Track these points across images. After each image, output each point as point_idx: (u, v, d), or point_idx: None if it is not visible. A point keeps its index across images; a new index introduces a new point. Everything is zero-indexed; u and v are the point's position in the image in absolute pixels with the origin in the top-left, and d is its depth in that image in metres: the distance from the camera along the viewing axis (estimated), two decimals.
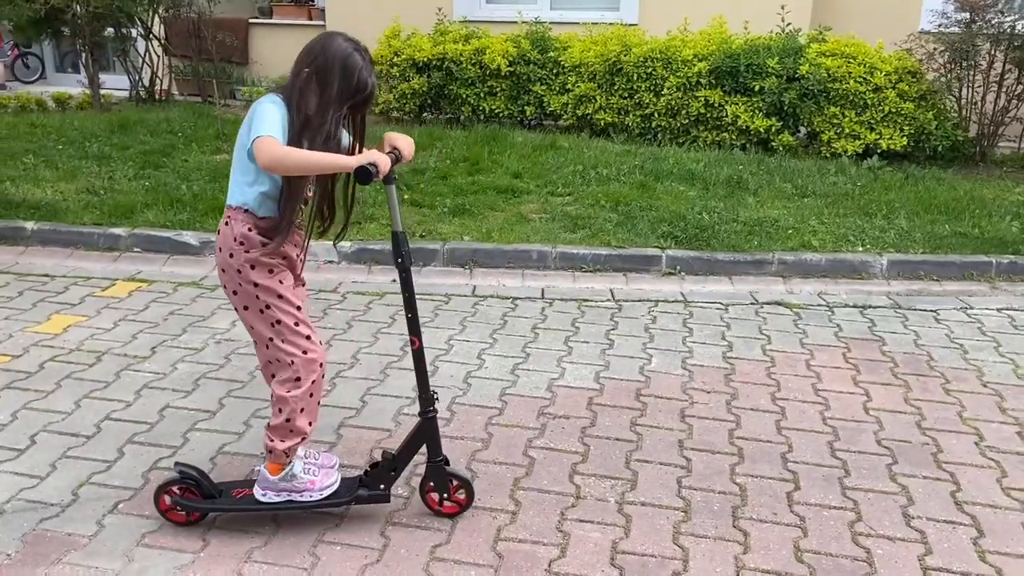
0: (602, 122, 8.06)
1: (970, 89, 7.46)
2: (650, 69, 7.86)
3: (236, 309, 2.49)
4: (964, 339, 4.10)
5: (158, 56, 9.60)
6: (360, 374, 3.64)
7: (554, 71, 8.25)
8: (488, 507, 2.71)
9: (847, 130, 7.34)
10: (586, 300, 4.54)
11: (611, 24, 8.53)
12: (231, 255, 2.41)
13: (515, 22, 8.71)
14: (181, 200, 5.74)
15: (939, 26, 7.55)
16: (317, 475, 2.58)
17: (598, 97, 8.03)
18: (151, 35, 9.47)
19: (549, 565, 2.45)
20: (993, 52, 7.26)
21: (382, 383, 3.57)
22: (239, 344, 3.89)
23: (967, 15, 7.30)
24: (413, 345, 2.54)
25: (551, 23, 8.66)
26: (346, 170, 2.35)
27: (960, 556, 2.52)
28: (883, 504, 2.77)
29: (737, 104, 7.60)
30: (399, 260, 2.48)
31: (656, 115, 7.90)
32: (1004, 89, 7.37)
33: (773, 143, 7.56)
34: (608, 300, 4.55)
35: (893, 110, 7.28)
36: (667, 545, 2.55)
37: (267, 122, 2.25)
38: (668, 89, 7.77)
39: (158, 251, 5.14)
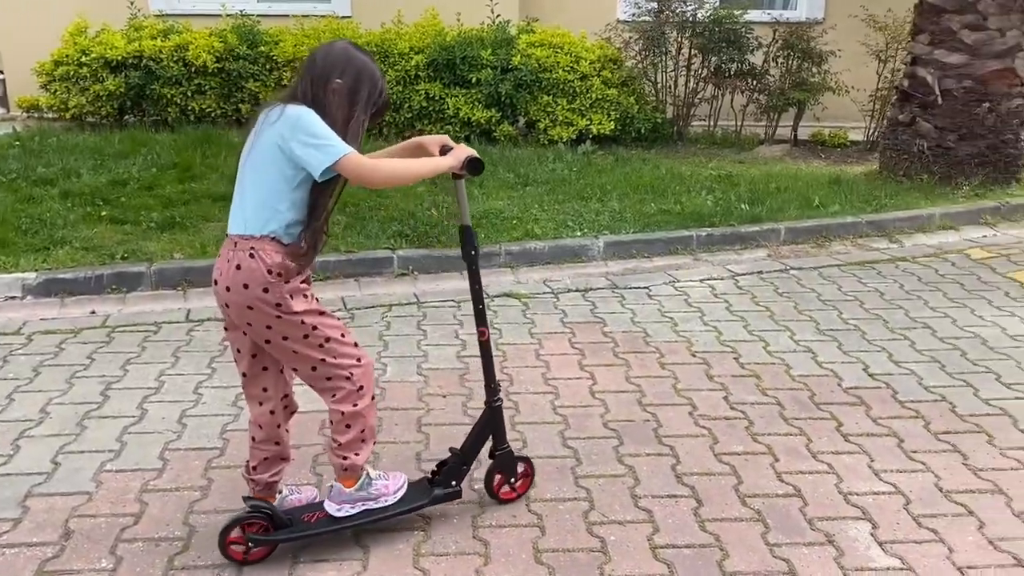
0: None
1: (664, 74, 8.09)
2: None
3: (264, 342, 2.33)
4: (674, 312, 4.41)
5: None
6: (50, 430, 3.17)
7: (267, 67, 7.83)
8: (208, 564, 2.46)
9: (561, 118, 7.66)
10: None
11: (323, 17, 8.25)
12: (265, 290, 2.24)
13: (219, 15, 8.17)
14: None
15: (633, 16, 8.11)
16: (388, 478, 2.57)
17: None
18: None
19: None
20: (680, 39, 7.91)
21: (78, 438, 3.14)
22: None
23: (656, 4, 7.90)
24: (482, 336, 2.63)
25: (259, 16, 8.21)
26: (444, 172, 2.41)
27: (684, 530, 2.67)
28: (613, 488, 2.87)
29: (457, 96, 7.67)
30: (472, 253, 2.56)
31: None
32: (692, 73, 8.06)
33: (495, 134, 7.72)
34: (339, 310, 4.37)
35: (600, 97, 7.71)
36: (408, 571, 2.46)
37: (333, 137, 2.19)
38: (388, 83, 7.65)
39: None
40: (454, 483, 2.63)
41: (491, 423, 2.66)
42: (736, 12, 7.86)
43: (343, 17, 8.45)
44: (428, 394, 3.50)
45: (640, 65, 7.99)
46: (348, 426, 2.42)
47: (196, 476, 2.91)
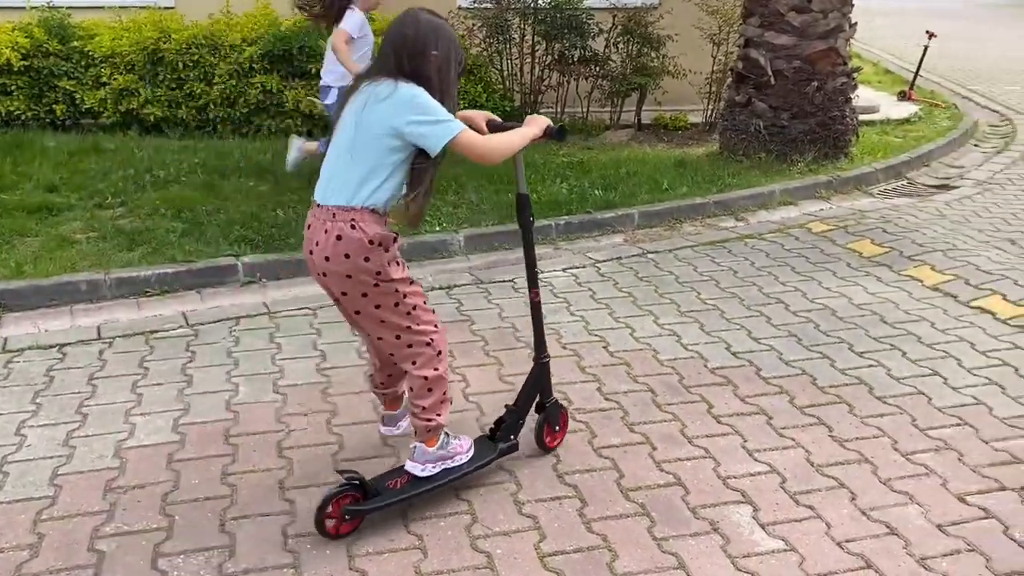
0: (152, 117, 7.23)
1: (509, 61, 8.02)
2: (196, 56, 7.21)
3: (356, 312, 2.46)
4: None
5: None
6: None
7: (83, 63, 7.19)
8: None
9: None
10: (155, 331, 3.94)
11: (143, 8, 7.64)
12: (367, 259, 2.35)
13: (23, 8, 7.40)
14: None
15: (475, 2, 7.98)
16: (460, 438, 2.70)
17: (142, 90, 7.18)
18: None
19: None
20: (523, 26, 7.86)
21: None
22: None
23: None
24: (535, 297, 2.85)
25: (69, 8, 7.50)
26: (535, 139, 2.59)
27: (571, 533, 2.58)
28: (495, 497, 2.74)
29: (296, 89, 7.31)
30: (530, 219, 2.81)
31: (212, 105, 7.30)
32: (537, 60, 8.03)
33: None
34: (181, 327, 4.00)
35: None
36: None
37: (445, 113, 2.31)
38: (220, 77, 7.21)
39: None
40: (512, 437, 2.81)
41: (541, 378, 2.88)
42: None
43: (166, 8, 7.86)
44: (288, 414, 3.24)
45: (485, 53, 7.88)
46: (430, 390, 2.56)
47: (23, 532, 2.54)
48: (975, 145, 8.31)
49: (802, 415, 3.29)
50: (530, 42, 7.98)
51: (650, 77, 8.03)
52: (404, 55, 2.33)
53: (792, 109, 6.85)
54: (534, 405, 2.90)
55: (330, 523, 2.46)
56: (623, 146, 7.77)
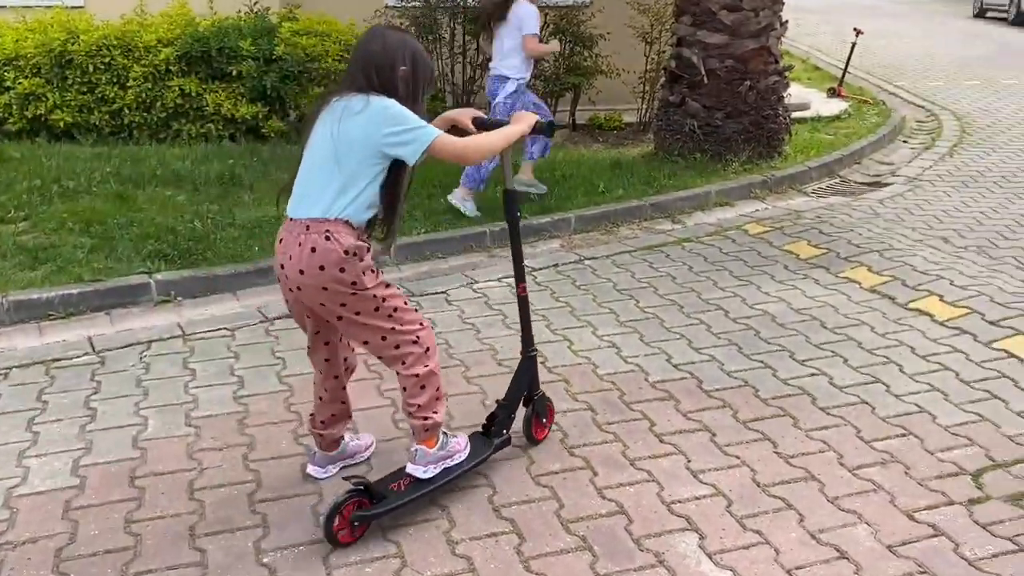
0: (62, 123, 6.84)
1: (440, 61, 7.81)
2: (108, 59, 6.84)
3: (336, 319, 2.45)
4: (475, 318, 4.14)
5: None
6: None
7: None
8: None
9: None
10: (57, 360, 3.64)
11: (49, 8, 7.22)
12: (342, 269, 2.35)
13: None
14: None
15: (402, 1, 7.75)
16: (457, 436, 2.72)
17: (50, 94, 6.78)
18: None
19: None
20: (453, 25, 7.66)
21: None
22: None
23: None
24: (521, 292, 2.85)
25: None
26: (521, 135, 2.63)
27: (507, 574, 2.40)
28: (426, 536, 2.55)
29: (217, 92, 6.99)
30: (517, 214, 2.80)
31: (127, 110, 6.93)
32: (468, 60, 7.84)
33: (263, 130, 7.13)
34: (87, 354, 3.70)
35: None
36: None
37: (418, 120, 2.35)
38: (134, 80, 6.85)
39: None
40: (504, 432, 2.84)
41: (528, 372, 2.91)
42: None
43: (74, 8, 7.44)
44: (201, 449, 2.99)
45: None
46: (423, 387, 2.55)
47: None
48: (904, 141, 8.41)
49: (746, 430, 3.18)
50: (460, 42, 7.78)
51: (583, 77, 7.91)
52: (372, 71, 2.38)
53: (726, 108, 6.80)
54: (525, 399, 2.95)
55: (342, 532, 2.44)
56: (557, 147, 7.60)
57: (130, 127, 7.00)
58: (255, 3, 7.55)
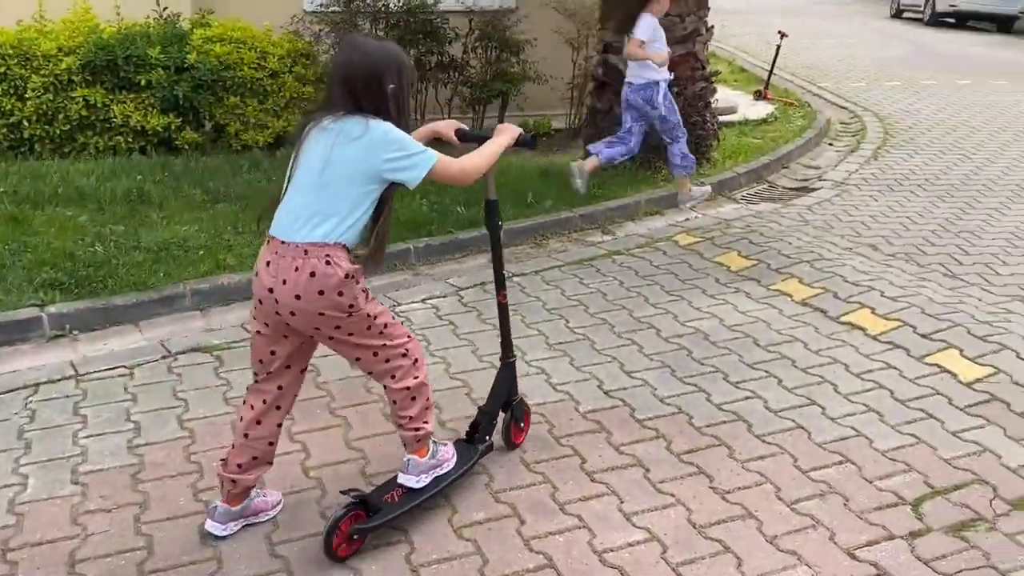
0: None
1: None
2: (3, 68, 6.38)
3: (331, 340, 2.44)
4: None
5: None
6: None
7: None
8: None
9: (253, 120, 6.88)
10: None
11: None
12: (340, 293, 2.34)
13: None
14: None
15: (321, 6, 7.46)
16: (445, 444, 2.73)
17: None
18: None
19: None
20: (375, 31, 7.40)
21: None
22: None
23: None
24: (502, 299, 2.90)
25: None
26: (507, 147, 2.65)
27: None
28: None
29: (125, 102, 6.59)
30: (498, 224, 2.79)
31: (26, 123, 6.48)
32: None
33: (177, 142, 6.76)
34: None
35: (295, 95, 7.01)
36: None
37: (417, 145, 2.36)
38: (33, 91, 6.40)
39: None
40: (488, 438, 2.88)
41: (507, 378, 2.96)
42: (429, 1, 7.50)
43: None
44: (87, 511, 2.70)
45: None
46: (414, 399, 2.56)
47: None
48: (829, 144, 8.46)
49: (680, 463, 3.03)
50: None
51: (511, 83, 7.74)
52: (359, 91, 2.32)
53: None
54: (504, 405, 2.98)
55: (341, 547, 2.43)
56: None
57: (31, 141, 6.55)
58: (164, 8, 7.17)
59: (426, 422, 2.60)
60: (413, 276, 4.83)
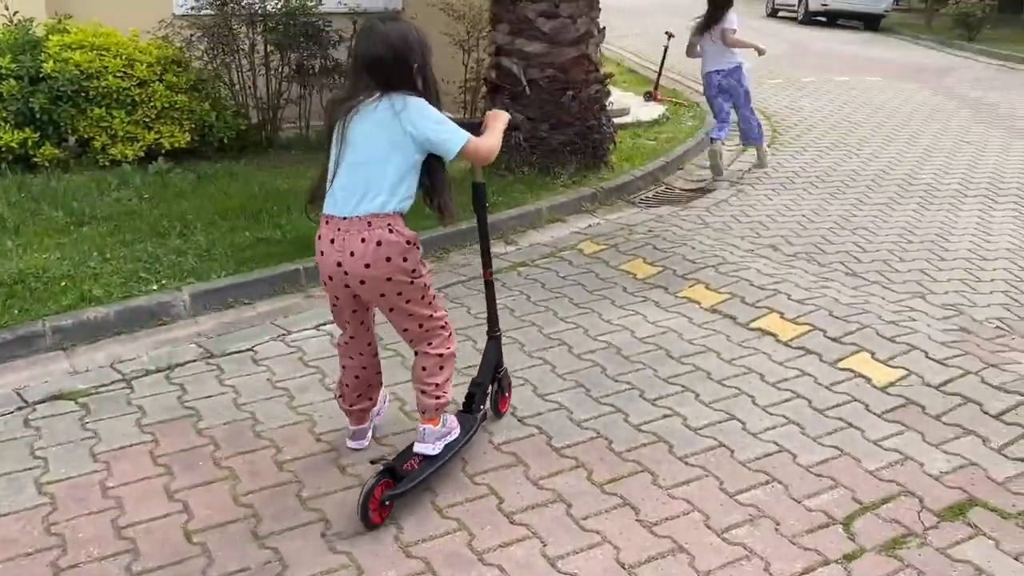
0: None
1: (240, 75, 7.09)
2: None
3: (390, 311, 2.66)
4: (288, 379, 3.59)
5: None
6: None
7: None
8: None
9: (122, 133, 6.34)
10: None
11: None
12: (405, 259, 2.57)
13: None
14: None
15: (192, 9, 6.97)
16: (449, 414, 2.88)
17: None
18: None
19: None
20: (252, 35, 6.97)
21: None
22: None
23: None
24: (487, 277, 3.11)
25: None
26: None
27: None
28: None
29: None
30: (485, 206, 3.06)
31: None
32: (273, 72, 7.18)
33: (36, 159, 6.15)
34: None
35: (167, 105, 6.52)
36: None
37: (451, 122, 2.57)
38: None
39: None
40: (482, 407, 3.05)
41: (494, 352, 3.12)
42: (310, 3, 7.12)
43: None
44: None
45: (210, 66, 6.90)
46: (442, 367, 2.77)
47: None
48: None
49: (603, 495, 2.84)
50: (262, 53, 7.09)
51: None
52: (388, 74, 2.52)
53: (550, 120, 6.53)
54: (492, 378, 3.13)
55: (374, 513, 2.57)
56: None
57: None
58: (15, 13, 6.54)
59: (447, 392, 2.80)
60: (304, 299, 4.48)
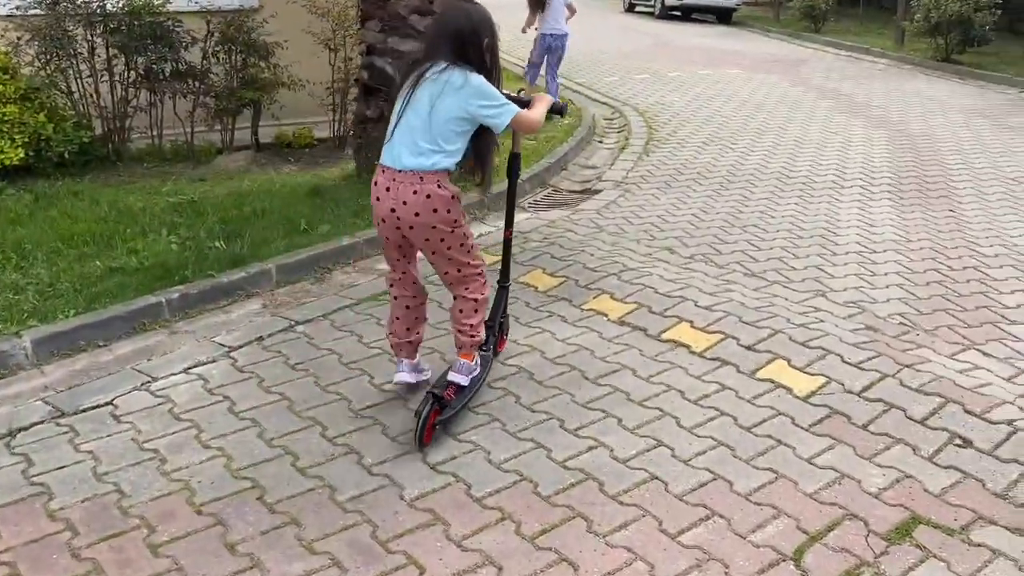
0: None
1: (80, 82, 6.36)
2: None
3: (432, 254, 3.03)
4: (157, 438, 3.09)
5: None
6: None
7: None
8: None
9: None
10: None
11: None
12: (449, 211, 2.93)
13: None
14: None
15: (18, 9, 6.18)
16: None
17: None
18: None
19: None
20: (91, 37, 6.26)
21: None
22: None
23: None
24: (508, 235, 3.56)
25: None
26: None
27: None
28: None
29: None
30: (517, 173, 3.59)
31: None
32: (117, 78, 6.48)
33: None
34: None
35: None
36: None
37: (503, 98, 2.93)
38: None
39: None
40: (491, 346, 3.47)
41: (502, 298, 3.57)
42: (156, 2, 6.46)
43: None
44: None
45: (43, 72, 6.15)
46: (477, 310, 3.16)
47: None
48: (599, 142, 8.41)
49: (536, 551, 2.54)
50: (104, 57, 6.38)
51: (262, 90, 6.91)
52: (462, 46, 2.86)
53: None
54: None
55: (426, 434, 2.94)
56: (243, 173, 6.57)
57: None
58: None
59: (481, 331, 3.18)
60: (169, 337, 3.95)
